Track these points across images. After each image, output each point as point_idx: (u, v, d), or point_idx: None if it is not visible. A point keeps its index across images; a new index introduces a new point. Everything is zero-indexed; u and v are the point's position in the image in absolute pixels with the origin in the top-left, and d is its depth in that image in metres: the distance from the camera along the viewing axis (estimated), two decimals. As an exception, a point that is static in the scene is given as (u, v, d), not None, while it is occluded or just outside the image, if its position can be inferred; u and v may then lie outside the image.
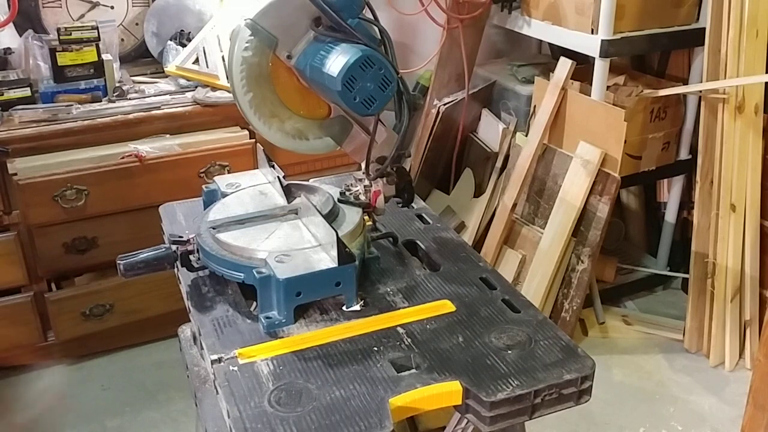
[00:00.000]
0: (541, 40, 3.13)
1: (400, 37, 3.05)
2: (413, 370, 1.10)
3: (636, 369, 2.53)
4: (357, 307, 1.25)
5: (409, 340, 1.17)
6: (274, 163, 1.45)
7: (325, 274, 1.19)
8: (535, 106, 2.67)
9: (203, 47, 2.49)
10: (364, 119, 1.33)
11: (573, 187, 2.48)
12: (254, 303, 1.24)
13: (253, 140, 2.41)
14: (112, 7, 2.67)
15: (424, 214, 1.58)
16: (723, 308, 2.49)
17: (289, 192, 1.40)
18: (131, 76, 2.59)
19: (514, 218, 2.69)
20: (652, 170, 2.72)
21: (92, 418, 2.29)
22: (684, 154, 2.78)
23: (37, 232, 2.25)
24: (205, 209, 1.44)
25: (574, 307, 2.53)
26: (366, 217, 1.39)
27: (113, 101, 2.38)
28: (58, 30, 2.36)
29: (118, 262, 1.29)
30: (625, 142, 2.41)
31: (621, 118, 2.35)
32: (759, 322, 2.49)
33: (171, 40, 2.58)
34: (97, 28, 2.39)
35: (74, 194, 2.22)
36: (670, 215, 2.93)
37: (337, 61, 1.17)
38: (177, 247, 1.31)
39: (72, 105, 2.30)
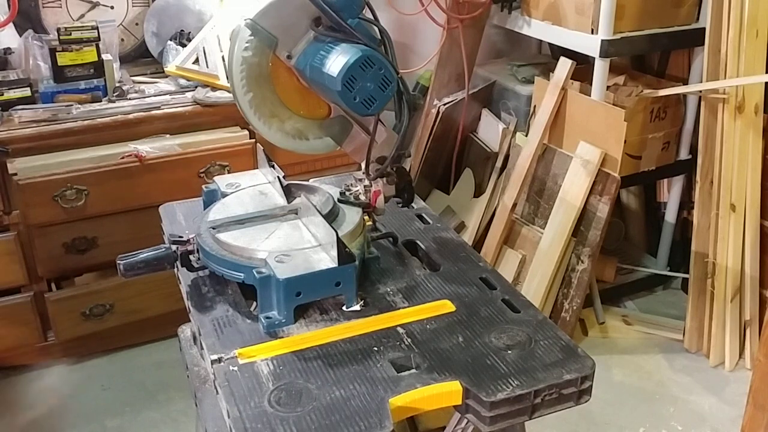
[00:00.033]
0: (541, 40, 3.13)
1: (400, 37, 3.05)
2: (413, 370, 1.10)
3: (636, 369, 2.53)
4: (357, 307, 1.25)
5: (409, 340, 1.17)
6: (274, 163, 1.44)
7: (325, 274, 1.19)
8: (535, 106, 2.67)
9: (203, 47, 2.49)
10: (364, 119, 1.33)
11: (573, 187, 2.48)
12: (254, 303, 1.24)
13: (253, 140, 2.41)
14: (112, 7, 2.67)
15: (424, 214, 1.58)
16: (723, 308, 2.49)
17: (289, 192, 1.40)
18: (131, 76, 2.59)
19: (514, 218, 2.69)
20: (652, 170, 2.72)
21: (92, 418, 2.29)
22: (684, 154, 2.78)
23: (37, 232, 2.25)
24: (205, 209, 1.44)
25: (574, 307, 2.53)
26: (366, 217, 1.39)
27: (113, 101, 2.38)
28: (58, 30, 2.36)
29: (118, 262, 1.29)
30: (625, 142, 2.41)
31: (621, 118, 2.35)
32: (759, 322, 2.49)
33: (171, 40, 2.59)
34: (97, 28, 2.39)
35: (74, 194, 2.22)
36: (670, 215, 2.93)
37: (337, 61, 1.17)
38: (177, 247, 1.31)
39: (72, 105, 2.30)
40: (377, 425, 0.99)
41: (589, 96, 2.48)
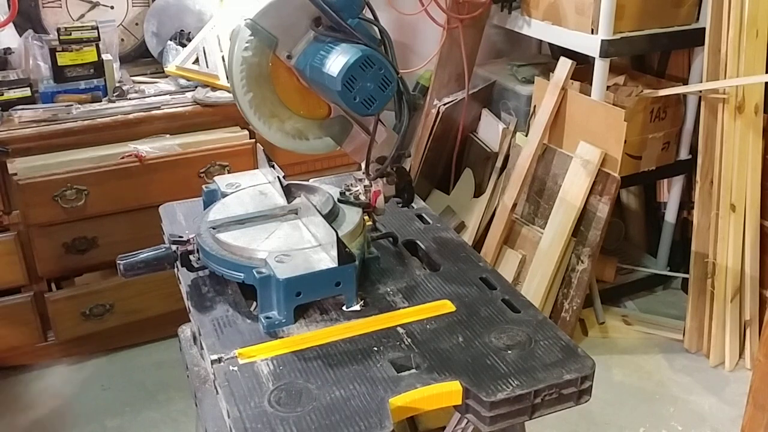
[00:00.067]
0: (541, 40, 3.13)
1: (400, 37, 3.05)
2: (413, 370, 1.10)
3: (636, 369, 2.53)
4: (357, 307, 1.25)
5: (409, 340, 1.17)
6: (274, 163, 1.45)
7: (325, 274, 1.19)
8: (535, 106, 2.67)
9: (203, 47, 2.49)
10: (364, 119, 1.33)
11: (573, 187, 2.48)
12: (254, 303, 1.24)
13: (253, 140, 2.41)
14: (112, 7, 2.67)
15: (424, 214, 1.58)
16: (723, 308, 2.49)
17: (289, 192, 1.40)
18: (131, 76, 2.59)
19: (514, 218, 2.69)
20: (652, 170, 2.72)
21: (92, 418, 2.29)
22: (684, 154, 2.78)
23: (37, 232, 2.25)
24: (205, 209, 1.44)
25: (574, 307, 2.53)
26: (366, 217, 1.39)
27: (113, 101, 2.38)
28: (58, 30, 2.36)
29: (118, 262, 1.29)
30: (625, 142, 2.41)
31: (621, 118, 2.35)
32: (759, 322, 2.49)
33: (171, 40, 2.58)
34: (97, 28, 2.39)
35: (74, 194, 2.22)
36: (670, 215, 2.93)
37: (337, 61, 1.17)
38: (177, 247, 1.31)
39: (72, 105, 2.30)
40: (377, 425, 0.99)
41: (589, 96, 2.48)
